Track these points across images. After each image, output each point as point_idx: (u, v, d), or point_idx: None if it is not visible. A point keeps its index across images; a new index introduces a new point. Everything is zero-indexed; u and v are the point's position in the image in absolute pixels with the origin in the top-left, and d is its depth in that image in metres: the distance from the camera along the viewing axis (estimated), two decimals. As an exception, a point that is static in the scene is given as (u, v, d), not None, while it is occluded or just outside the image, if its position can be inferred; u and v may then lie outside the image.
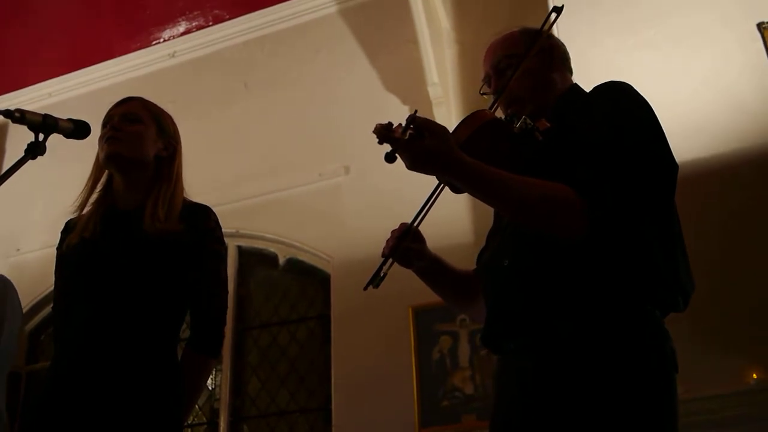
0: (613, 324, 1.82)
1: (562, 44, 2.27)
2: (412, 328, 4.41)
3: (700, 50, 4.11)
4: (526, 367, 1.88)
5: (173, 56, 6.20)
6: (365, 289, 2.12)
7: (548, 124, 2.00)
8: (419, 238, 2.19)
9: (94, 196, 2.48)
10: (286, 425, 4.89)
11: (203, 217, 2.43)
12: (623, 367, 1.78)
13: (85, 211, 2.46)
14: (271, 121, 5.58)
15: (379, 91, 5.26)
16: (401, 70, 5.25)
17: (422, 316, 4.40)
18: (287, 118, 5.52)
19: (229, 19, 6.05)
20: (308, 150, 5.27)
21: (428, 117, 4.52)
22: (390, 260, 2.11)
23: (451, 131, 1.90)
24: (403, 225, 2.17)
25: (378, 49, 5.46)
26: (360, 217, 4.82)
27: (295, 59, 5.73)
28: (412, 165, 1.77)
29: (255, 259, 5.41)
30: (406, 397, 4.31)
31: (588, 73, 4.16)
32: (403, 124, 1.75)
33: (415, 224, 2.15)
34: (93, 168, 2.51)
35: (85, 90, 6.41)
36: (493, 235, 2.20)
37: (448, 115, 4.84)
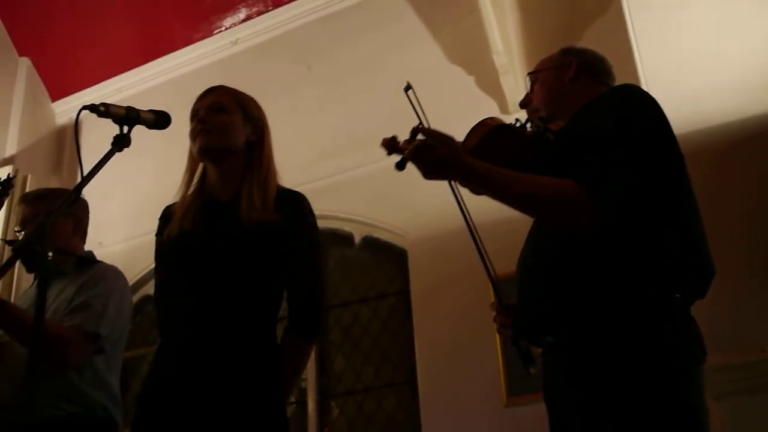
0: (637, 316, 1.89)
1: (597, 59, 2.42)
2: (493, 299, 4.37)
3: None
4: (565, 365, 1.99)
5: (236, 43, 6.26)
6: (530, 374, 2.22)
7: (561, 124, 2.14)
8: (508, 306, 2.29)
9: (191, 189, 2.52)
10: (373, 400, 4.94)
11: (297, 203, 2.47)
12: (650, 360, 1.85)
13: (181, 200, 2.51)
14: (337, 102, 5.60)
15: (443, 63, 5.24)
16: (464, 41, 5.22)
17: (502, 286, 4.35)
18: (352, 97, 5.54)
19: (288, 2, 6.07)
20: (376, 127, 5.20)
21: (495, 86, 4.52)
22: (520, 342, 2.21)
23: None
24: (494, 305, 2.35)
25: (439, 22, 5.43)
26: (432, 191, 4.74)
27: (357, 38, 5.73)
28: (426, 173, 1.92)
29: (330, 239, 5.44)
30: (491, 366, 4.32)
31: (655, 31, 4.12)
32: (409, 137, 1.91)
33: (496, 284, 2.32)
34: (187, 162, 2.56)
35: (152, 84, 6.52)
36: (528, 233, 2.27)
37: (515, 83, 4.79)
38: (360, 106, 5.44)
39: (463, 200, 2.28)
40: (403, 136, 5.00)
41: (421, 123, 1.91)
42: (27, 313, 2.81)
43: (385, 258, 5.29)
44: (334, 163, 5.33)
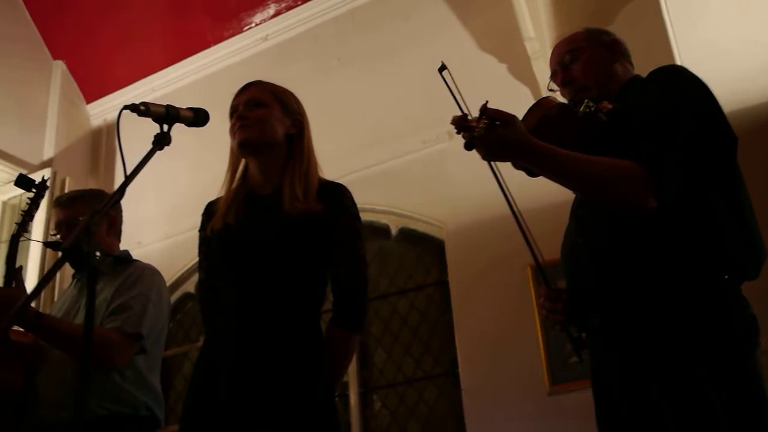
0: (690, 297, 1.89)
1: (623, 41, 2.42)
2: (532, 288, 4.37)
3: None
4: (619, 346, 1.98)
5: (266, 39, 6.26)
6: (581, 360, 2.21)
7: (610, 106, 2.12)
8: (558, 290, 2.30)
9: (234, 185, 2.54)
10: (415, 392, 4.93)
11: (338, 195, 2.49)
12: (708, 343, 1.84)
13: (225, 195, 2.52)
14: (369, 94, 5.59)
15: (474, 52, 5.21)
16: (495, 28, 5.19)
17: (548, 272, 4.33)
18: (384, 88, 5.52)
19: (317, -5, 6.07)
20: (409, 118, 5.26)
21: (527, 72, 4.48)
22: (569, 327, 2.22)
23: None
24: (543, 291, 2.34)
25: (469, 10, 5.39)
26: (468, 181, 4.78)
27: (386, 29, 5.71)
28: (488, 154, 1.91)
29: (367, 232, 5.42)
30: (533, 355, 4.29)
31: (689, 12, 4.06)
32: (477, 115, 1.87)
33: (543, 269, 2.29)
34: (229, 159, 2.58)
35: (184, 82, 6.55)
36: (572, 214, 2.28)
37: (547, 68, 4.73)
38: (392, 98, 5.42)
39: (506, 186, 2.26)
40: (438, 125, 4.98)
41: (486, 102, 1.88)
42: (72, 325, 2.87)
43: (423, 249, 5.27)
44: (368, 156, 5.31)
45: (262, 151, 2.49)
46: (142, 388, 2.93)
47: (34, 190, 3.17)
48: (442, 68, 2.20)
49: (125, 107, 1.95)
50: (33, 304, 2.77)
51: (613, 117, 2.08)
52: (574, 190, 2.08)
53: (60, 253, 2.54)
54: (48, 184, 3.26)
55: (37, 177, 3.24)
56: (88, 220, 1.66)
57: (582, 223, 2.16)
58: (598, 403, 2.09)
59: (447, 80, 2.17)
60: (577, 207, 2.24)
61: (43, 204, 5.43)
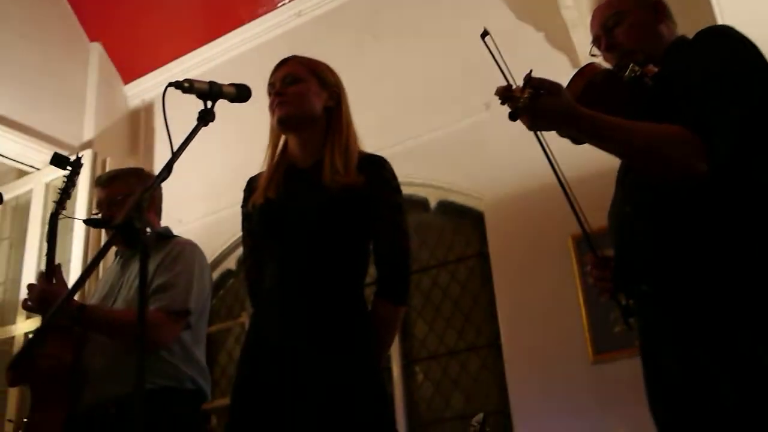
0: (743, 261, 1.84)
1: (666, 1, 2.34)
2: (574, 257, 4.36)
3: None
4: (671, 315, 1.95)
5: (300, 15, 6.24)
6: (629, 328, 2.15)
7: (656, 69, 2.06)
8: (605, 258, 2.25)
9: (275, 160, 2.56)
10: (457, 364, 4.94)
11: (379, 167, 2.49)
12: (761, 303, 1.80)
13: (266, 171, 2.53)
14: (405, 68, 5.56)
15: (510, 21, 5.14)
16: (531, -3, 5.13)
17: (584, 244, 4.31)
18: (420, 62, 5.49)
19: (351, -31, 6.03)
20: (446, 91, 5.23)
21: (565, 41, 4.40)
22: (617, 294, 2.19)
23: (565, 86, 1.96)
24: (590, 259, 2.28)
25: (506, -21, 5.33)
26: (506, 152, 4.76)
27: (421, 1, 5.67)
28: (533, 124, 1.88)
29: (406, 205, 5.41)
30: (575, 325, 4.29)
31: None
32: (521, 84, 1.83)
33: (590, 236, 2.25)
34: (270, 136, 2.60)
35: (220, 60, 6.57)
36: (619, 182, 2.24)
37: (586, 37, 4.67)
38: (429, 70, 5.39)
39: (552, 154, 2.24)
40: (475, 96, 4.93)
41: (531, 71, 1.85)
42: (114, 312, 2.97)
43: (462, 221, 5.26)
44: (406, 129, 5.29)
45: (302, 126, 2.50)
46: (189, 362, 2.98)
47: (69, 168, 3.22)
48: (485, 34, 2.16)
49: (170, 84, 1.96)
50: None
51: (660, 81, 2.05)
52: (622, 158, 2.06)
53: (104, 231, 2.57)
54: (82, 161, 3.31)
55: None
56: (139, 196, 1.67)
57: (629, 191, 2.14)
58: (647, 369, 2.08)
59: (489, 46, 2.15)
60: (624, 174, 2.21)
61: (86, 185, 5.53)
